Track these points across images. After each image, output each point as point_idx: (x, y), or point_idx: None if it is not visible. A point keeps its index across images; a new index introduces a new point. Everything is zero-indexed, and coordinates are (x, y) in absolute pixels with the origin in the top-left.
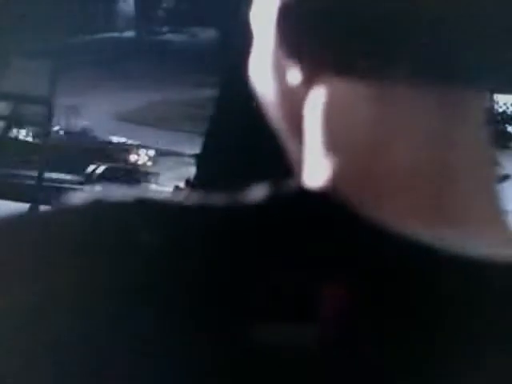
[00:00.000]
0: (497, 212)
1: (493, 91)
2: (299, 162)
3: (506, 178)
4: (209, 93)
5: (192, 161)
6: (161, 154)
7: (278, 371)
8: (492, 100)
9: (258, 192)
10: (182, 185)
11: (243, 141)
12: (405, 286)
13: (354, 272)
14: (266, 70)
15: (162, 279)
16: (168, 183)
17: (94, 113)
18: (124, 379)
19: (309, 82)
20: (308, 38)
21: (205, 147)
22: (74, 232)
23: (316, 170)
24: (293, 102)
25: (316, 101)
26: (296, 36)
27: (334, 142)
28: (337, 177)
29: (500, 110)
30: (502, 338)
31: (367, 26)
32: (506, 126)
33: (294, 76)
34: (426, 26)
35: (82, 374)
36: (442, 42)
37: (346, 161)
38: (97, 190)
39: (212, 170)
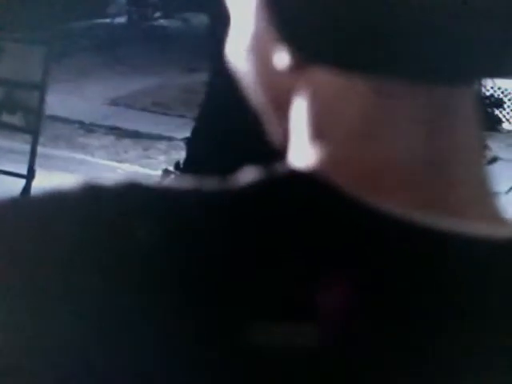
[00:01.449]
0: (486, 193)
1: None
2: (285, 145)
3: (494, 160)
4: (202, 77)
5: (183, 145)
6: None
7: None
8: (480, 84)
9: (247, 176)
10: (171, 168)
11: (234, 125)
12: (397, 267)
13: (346, 255)
14: (247, 51)
15: (154, 265)
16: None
17: (87, 98)
18: (120, 378)
19: (298, 67)
20: (300, 26)
21: (195, 131)
22: (65, 217)
23: (304, 154)
24: (278, 84)
25: (305, 87)
26: (289, 22)
27: (322, 129)
28: (325, 162)
29: (488, 94)
30: (497, 315)
31: (359, 21)
32: (494, 109)
33: (283, 60)
34: (419, 24)
35: (73, 369)
36: (435, 39)
37: (335, 148)
38: (88, 176)
39: (202, 153)
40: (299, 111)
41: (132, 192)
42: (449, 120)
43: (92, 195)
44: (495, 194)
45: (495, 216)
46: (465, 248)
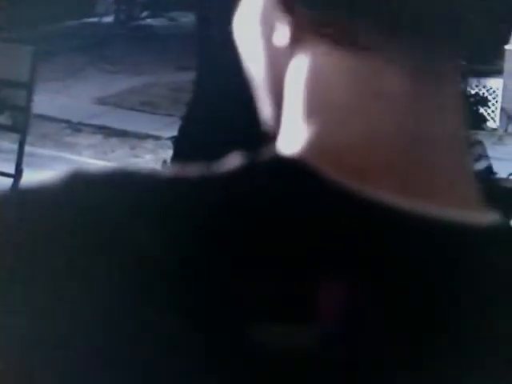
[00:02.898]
0: (468, 181)
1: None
2: (276, 131)
3: (480, 158)
4: (189, 76)
5: (170, 144)
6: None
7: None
8: (465, 82)
9: (232, 161)
10: (158, 167)
11: (222, 124)
12: (379, 251)
13: (329, 239)
14: (252, 30)
15: (141, 254)
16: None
17: (75, 97)
18: (117, 377)
19: (294, 43)
20: None
21: (182, 130)
22: (53, 207)
23: (292, 137)
24: (278, 65)
25: (297, 66)
26: None
27: (311, 109)
28: (310, 148)
29: (473, 92)
30: (472, 301)
31: None
32: (479, 107)
33: (283, 35)
34: None
35: (69, 369)
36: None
37: (323, 128)
38: (73, 165)
39: (189, 152)
40: (291, 92)
41: (118, 179)
42: (433, 107)
43: (79, 183)
44: (475, 181)
45: (477, 204)
46: (448, 234)
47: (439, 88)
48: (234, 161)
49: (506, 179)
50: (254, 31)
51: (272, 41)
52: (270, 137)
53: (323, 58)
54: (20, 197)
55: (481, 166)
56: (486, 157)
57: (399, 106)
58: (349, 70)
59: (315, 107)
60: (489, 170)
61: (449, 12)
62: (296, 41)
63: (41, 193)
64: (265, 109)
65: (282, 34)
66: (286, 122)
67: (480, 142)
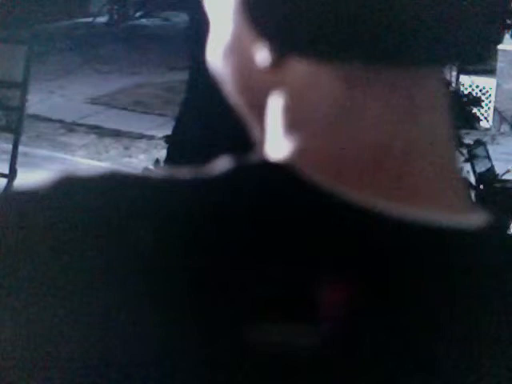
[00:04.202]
0: (456, 182)
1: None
2: (261, 138)
3: (472, 157)
4: (182, 76)
5: (163, 143)
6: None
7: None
8: (458, 82)
9: (220, 165)
10: (151, 166)
11: (215, 123)
12: (364, 256)
13: (315, 243)
14: (226, 52)
15: (133, 254)
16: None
17: (68, 97)
18: (117, 377)
19: (276, 63)
20: (276, 20)
21: (176, 129)
22: (45, 209)
23: (278, 145)
24: (257, 83)
25: (281, 83)
26: (265, 17)
27: (295, 122)
28: (297, 153)
29: (466, 92)
30: (463, 304)
31: (325, 11)
32: (472, 107)
33: (264, 58)
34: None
35: (70, 368)
36: (392, 26)
37: (306, 139)
38: (64, 168)
39: (183, 151)
40: (275, 106)
41: (109, 182)
42: (416, 111)
43: (71, 186)
44: (464, 187)
45: (465, 206)
46: (434, 237)
47: (423, 92)
48: (222, 164)
49: (508, 180)
50: (230, 54)
51: (250, 61)
52: (258, 141)
53: (307, 73)
54: (12, 200)
55: (483, 167)
56: (488, 158)
57: (381, 112)
58: (329, 82)
59: (300, 118)
60: (491, 171)
61: (434, 27)
62: (279, 60)
63: (32, 196)
64: (247, 120)
65: (264, 56)
66: (273, 130)
67: (481, 143)
